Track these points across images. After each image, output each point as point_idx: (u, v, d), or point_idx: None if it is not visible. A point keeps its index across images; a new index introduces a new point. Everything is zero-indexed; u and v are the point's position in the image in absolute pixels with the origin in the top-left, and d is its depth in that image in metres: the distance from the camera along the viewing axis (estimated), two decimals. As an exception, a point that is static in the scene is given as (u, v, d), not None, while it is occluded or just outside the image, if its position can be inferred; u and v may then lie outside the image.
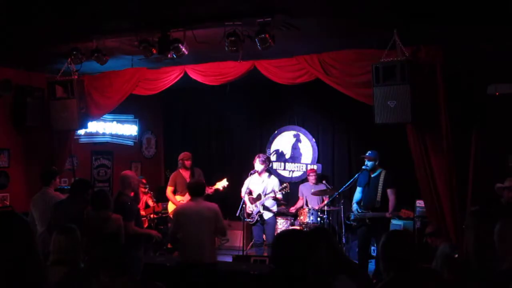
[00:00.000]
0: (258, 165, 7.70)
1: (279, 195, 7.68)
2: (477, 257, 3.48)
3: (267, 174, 7.88)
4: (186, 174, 8.08)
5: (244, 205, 7.69)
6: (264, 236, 7.91)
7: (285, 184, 7.83)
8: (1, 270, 1.60)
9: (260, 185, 7.75)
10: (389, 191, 6.81)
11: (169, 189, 8.05)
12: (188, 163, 8.12)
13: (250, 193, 7.79)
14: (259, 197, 7.68)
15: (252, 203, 7.75)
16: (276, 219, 8.03)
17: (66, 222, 4.61)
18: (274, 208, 7.87)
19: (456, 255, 4.69)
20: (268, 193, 7.66)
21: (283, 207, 8.76)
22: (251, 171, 7.84)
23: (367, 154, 7.02)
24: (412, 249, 3.04)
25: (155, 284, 2.81)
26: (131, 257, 3.28)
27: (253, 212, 7.69)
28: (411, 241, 3.09)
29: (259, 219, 7.67)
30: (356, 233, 7.50)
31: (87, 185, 5.87)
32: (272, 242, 3.25)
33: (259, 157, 7.78)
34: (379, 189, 6.84)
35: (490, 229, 3.49)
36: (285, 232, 3.26)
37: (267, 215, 7.73)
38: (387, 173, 6.90)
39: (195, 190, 5.70)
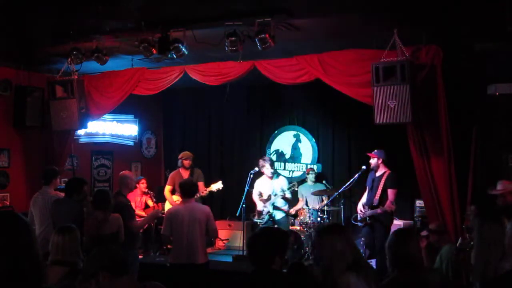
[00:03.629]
0: (268, 169, 7.62)
1: (288, 195, 7.68)
2: (482, 257, 3.48)
3: (275, 176, 7.87)
4: (185, 174, 7.96)
5: (254, 205, 7.75)
6: None
7: (293, 183, 7.86)
8: (1, 270, 1.60)
9: (269, 186, 7.72)
10: (389, 191, 6.81)
11: (167, 189, 7.97)
12: (187, 162, 7.99)
13: (260, 195, 7.76)
14: (269, 197, 7.66)
15: (263, 204, 7.72)
16: (288, 218, 7.95)
17: (66, 221, 4.62)
18: (286, 208, 7.84)
19: (460, 255, 4.69)
20: (278, 193, 7.61)
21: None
22: (251, 171, 7.85)
23: (373, 152, 7.01)
24: (418, 248, 3.06)
25: (155, 284, 2.80)
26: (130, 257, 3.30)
27: (263, 213, 7.66)
28: (415, 240, 3.11)
29: (269, 219, 7.62)
30: (359, 233, 7.60)
31: (81, 183, 5.82)
32: (246, 243, 3.32)
33: (265, 160, 7.68)
34: (379, 188, 6.84)
35: (494, 229, 3.49)
36: (257, 232, 3.32)
37: (278, 215, 7.67)
38: (390, 173, 6.87)
39: (188, 190, 5.67)
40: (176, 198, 7.87)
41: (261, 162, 7.73)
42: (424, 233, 5.60)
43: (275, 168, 7.95)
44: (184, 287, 5.34)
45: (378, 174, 6.96)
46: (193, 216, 5.47)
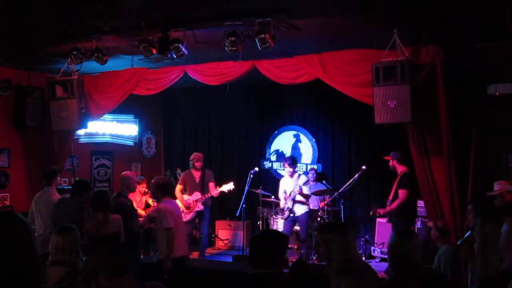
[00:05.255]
0: (287, 167, 7.90)
1: (305, 191, 7.78)
2: (482, 256, 3.48)
3: (297, 174, 8.02)
4: (196, 175, 8.14)
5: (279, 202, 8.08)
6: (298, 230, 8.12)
7: (308, 179, 8.10)
8: (0, 271, 1.60)
9: (291, 184, 7.89)
10: (399, 191, 6.85)
11: (178, 188, 8.11)
12: (198, 164, 8.16)
13: (285, 193, 7.95)
14: (290, 194, 7.84)
15: (285, 201, 7.89)
16: (308, 215, 8.01)
17: (67, 222, 4.62)
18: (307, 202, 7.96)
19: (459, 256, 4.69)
20: (294, 189, 7.72)
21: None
22: (251, 171, 7.96)
23: (389, 155, 7.23)
24: (417, 249, 3.06)
25: (155, 284, 2.80)
26: (130, 258, 3.29)
27: (285, 208, 7.84)
28: (416, 241, 3.10)
29: (290, 214, 7.82)
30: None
31: (87, 186, 5.95)
32: (249, 245, 3.34)
33: (285, 160, 7.99)
34: (393, 188, 6.96)
35: (495, 229, 3.49)
36: (259, 234, 3.35)
37: (299, 210, 7.80)
38: (404, 173, 6.90)
39: (171, 189, 6.22)
40: (186, 197, 7.99)
41: (282, 162, 8.12)
42: (430, 224, 5.61)
43: (296, 167, 8.25)
44: (185, 277, 5.74)
45: (398, 174, 7.11)
46: (179, 212, 6.13)
